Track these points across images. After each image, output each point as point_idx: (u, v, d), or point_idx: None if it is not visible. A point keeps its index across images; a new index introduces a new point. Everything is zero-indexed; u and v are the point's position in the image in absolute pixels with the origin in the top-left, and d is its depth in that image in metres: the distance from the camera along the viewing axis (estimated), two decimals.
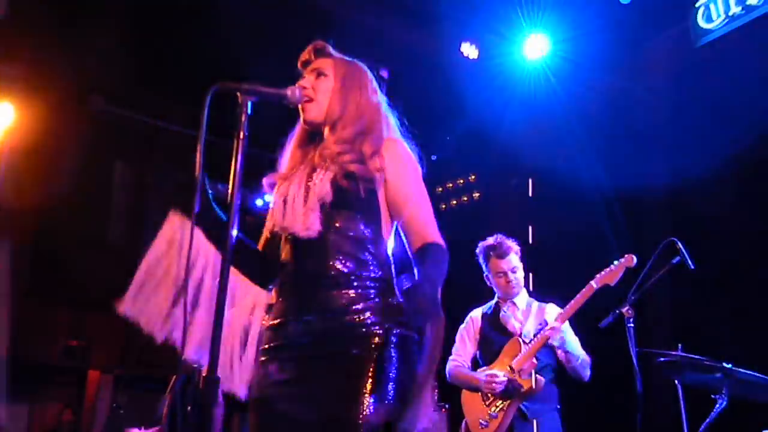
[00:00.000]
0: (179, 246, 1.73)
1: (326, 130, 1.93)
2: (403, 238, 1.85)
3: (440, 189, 7.26)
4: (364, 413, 1.59)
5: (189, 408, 3.59)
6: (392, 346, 1.65)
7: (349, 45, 2.03)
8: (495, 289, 3.62)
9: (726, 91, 4.40)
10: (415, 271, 1.77)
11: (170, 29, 5.72)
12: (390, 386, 1.62)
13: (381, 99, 1.98)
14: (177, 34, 5.71)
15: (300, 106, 1.90)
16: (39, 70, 6.04)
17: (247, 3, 5.52)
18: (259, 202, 7.54)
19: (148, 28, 5.79)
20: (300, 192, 1.80)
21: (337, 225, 1.76)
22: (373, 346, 1.65)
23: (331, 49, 1.99)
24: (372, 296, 1.72)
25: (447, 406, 5.10)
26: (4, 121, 5.92)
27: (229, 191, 1.60)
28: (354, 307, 1.70)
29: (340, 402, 1.62)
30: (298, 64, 2.00)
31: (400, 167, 1.82)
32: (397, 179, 1.81)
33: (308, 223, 1.74)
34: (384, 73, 2.06)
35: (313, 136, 1.99)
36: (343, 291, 1.72)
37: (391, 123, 1.95)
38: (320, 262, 1.75)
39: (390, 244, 1.85)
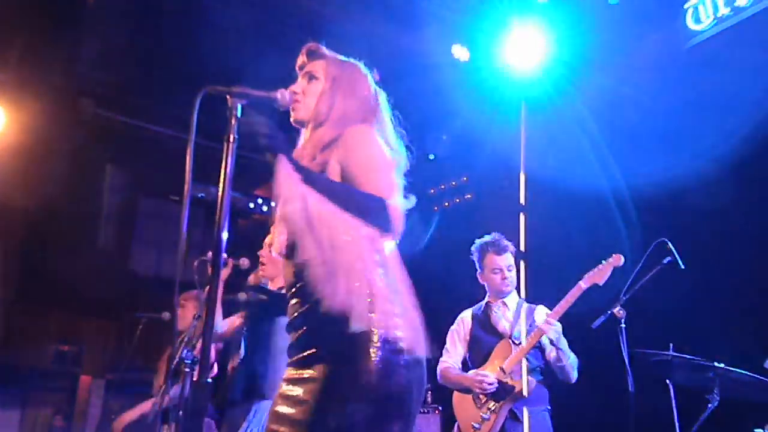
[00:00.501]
0: None
1: (308, 132, 1.93)
2: None
3: (432, 191, 7.27)
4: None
5: (180, 412, 3.57)
6: (363, 341, 1.62)
7: (339, 47, 2.03)
8: (487, 288, 3.63)
9: (715, 92, 4.42)
10: None
11: (161, 33, 5.70)
12: (356, 383, 1.60)
13: (373, 98, 1.95)
14: (168, 38, 5.69)
15: (291, 107, 1.90)
16: (29, 73, 6.01)
17: (238, 6, 5.51)
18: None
19: (139, 32, 5.77)
20: None
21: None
22: (343, 342, 1.63)
23: (324, 50, 1.98)
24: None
25: (440, 408, 5.10)
26: None
27: (219, 194, 1.59)
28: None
29: (319, 400, 1.62)
30: (296, 68, 1.99)
31: (350, 148, 1.75)
32: (348, 160, 1.75)
33: (279, 245, 1.79)
34: (375, 75, 2.04)
35: None
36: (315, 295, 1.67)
37: (383, 120, 1.93)
38: (300, 269, 1.73)
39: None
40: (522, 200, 5.18)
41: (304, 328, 1.73)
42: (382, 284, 1.64)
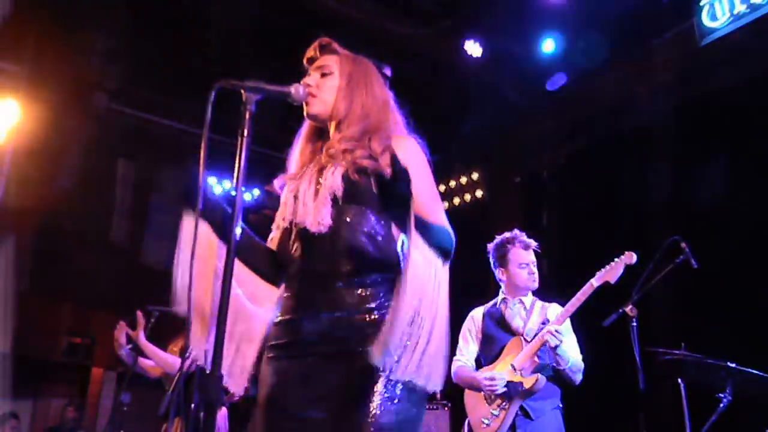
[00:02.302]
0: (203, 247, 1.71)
1: (332, 129, 1.91)
2: None
3: (444, 188, 7.26)
4: (374, 413, 1.58)
5: (192, 405, 3.59)
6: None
7: (350, 42, 2.02)
8: (508, 284, 3.58)
9: (731, 88, 4.39)
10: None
11: (174, 27, 5.73)
12: (399, 386, 1.61)
13: (388, 95, 1.95)
14: (180, 32, 5.72)
15: (305, 101, 1.88)
16: (43, 68, 6.05)
17: (249, 1, 5.53)
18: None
19: (152, 27, 5.80)
20: (311, 188, 1.78)
21: (348, 220, 1.73)
22: (360, 345, 1.62)
23: (336, 46, 1.96)
24: (381, 295, 1.69)
25: (449, 404, 5.10)
26: (8, 119, 5.93)
27: (233, 189, 1.59)
28: (364, 306, 1.68)
29: (349, 402, 1.61)
30: (304, 61, 1.97)
31: (410, 163, 1.72)
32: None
33: (319, 217, 1.71)
34: (387, 71, 2.03)
35: (320, 134, 1.97)
36: (353, 289, 1.70)
37: (398, 119, 1.93)
38: (330, 259, 1.72)
39: (400, 243, 1.79)
40: None
41: (328, 323, 1.72)
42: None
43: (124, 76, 6.40)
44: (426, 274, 1.53)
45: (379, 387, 1.59)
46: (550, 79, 5.86)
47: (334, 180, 1.74)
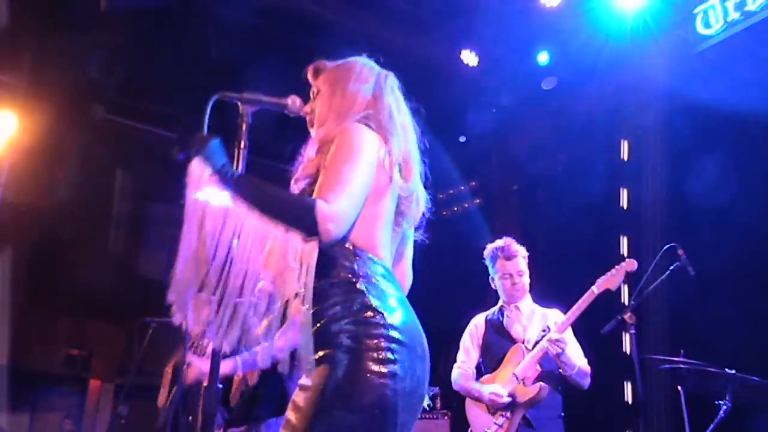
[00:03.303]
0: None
1: (314, 134, 1.91)
2: None
3: (441, 195, 7.27)
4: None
5: (189, 418, 3.58)
6: (344, 348, 1.61)
7: (347, 52, 2.03)
8: (500, 293, 3.61)
9: (725, 95, 4.40)
10: None
11: (170, 39, 5.74)
12: (337, 391, 1.59)
13: (374, 86, 1.90)
14: (177, 44, 5.73)
15: (309, 125, 1.92)
16: (41, 79, 6.05)
17: (247, 12, 5.54)
18: None
19: (149, 38, 5.81)
20: None
21: None
22: (325, 348, 1.63)
23: (324, 64, 1.97)
24: (332, 302, 1.67)
25: (449, 413, 5.09)
26: (6, 130, 5.93)
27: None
28: (324, 314, 1.67)
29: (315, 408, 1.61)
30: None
31: (332, 151, 1.71)
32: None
33: None
34: (369, 66, 2.02)
35: None
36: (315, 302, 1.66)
37: (381, 117, 1.85)
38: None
39: (352, 236, 1.71)
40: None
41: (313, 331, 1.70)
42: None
43: (121, 87, 6.41)
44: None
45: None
46: (545, 80, 5.90)
47: None
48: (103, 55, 5.87)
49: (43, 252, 7.53)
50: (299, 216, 1.58)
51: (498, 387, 3.35)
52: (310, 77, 1.98)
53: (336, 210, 1.59)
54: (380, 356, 1.60)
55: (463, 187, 7.32)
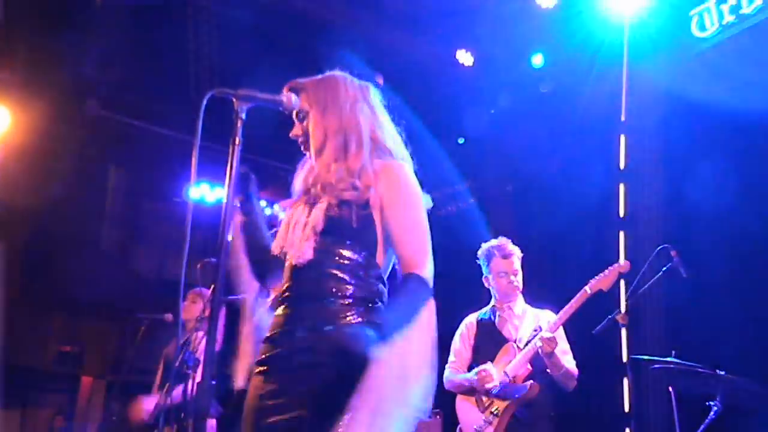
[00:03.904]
0: None
1: (313, 158, 1.94)
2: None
3: (437, 195, 7.26)
4: (341, 426, 1.59)
5: (182, 415, 3.57)
6: (369, 359, 1.63)
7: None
8: (493, 292, 3.62)
9: (720, 98, 4.42)
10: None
11: (166, 35, 5.73)
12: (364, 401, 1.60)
13: (366, 108, 1.94)
14: (172, 40, 5.71)
15: (303, 149, 1.97)
16: (35, 74, 6.03)
17: (243, 10, 5.53)
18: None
19: (144, 34, 5.79)
20: (302, 219, 1.86)
21: (329, 252, 1.81)
22: (350, 358, 1.65)
23: (300, 82, 1.97)
24: (354, 313, 1.75)
25: (441, 413, 5.09)
26: None
27: (224, 196, 1.60)
28: (337, 320, 1.74)
29: (318, 413, 1.64)
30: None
31: (393, 193, 1.82)
32: (390, 206, 1.82)
33: (300, 251, 1.81)
34: (379, 80, 2.03)
35: None
36: (328, 307, 1.76)
37: (380, 135, 1.92)
38: (310, 285, 1.81)
39: (387, 269, 1.88)
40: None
41: (307, 342, 1.75)
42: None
43: (115, 83, 6.39)
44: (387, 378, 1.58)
45: (346, 400, 1.61)
46: (543, 83, 5.92)
47: (316, 216, 1.83)
48: (97, 50, 5.85)
49: (35, 248, 7.50)
50: (426, 302, 1.73)
51: (487, 368, 3.36)
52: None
53: (431, 274, 1.79)
54: None
55: (457, 187, 7.33)
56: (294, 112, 1.94)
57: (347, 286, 1.77)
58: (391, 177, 1.84)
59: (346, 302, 1.76)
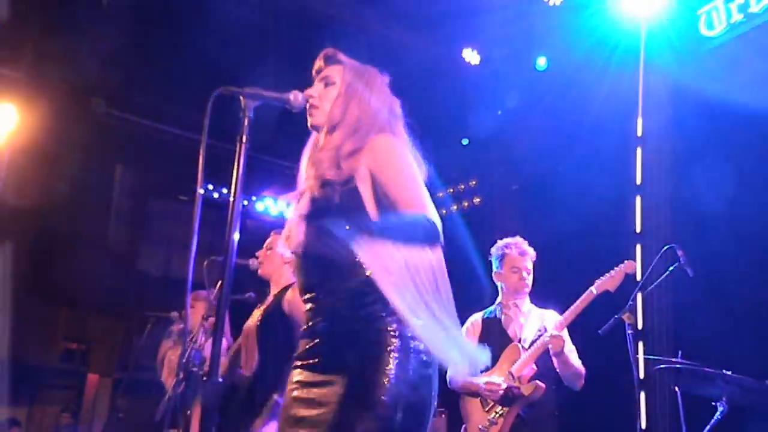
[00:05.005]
0: None
1: (322, 136, 1.92)
2: None
3: (441, 194, 7.27)
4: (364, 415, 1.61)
5: (188, 411, 3.58)
6: (391, 348, 1.65)
7: (349, 50, 2.02)
8: (503, 288, 3.61)
9: (728, 97, 4.40)
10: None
11: (172, 33, 5.74)
12: (386, 390, 1.62)
13: (388, 104, 1.94)
14: (178, 38, 5.72)
15: (308, 112, 1.91)
16: (41, 73, 6.06)
17: (249, 8, 5.54)
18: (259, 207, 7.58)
19: (150, 32, 5.81)
20: (297, 209, 1.87)
21: (317, 236, 1.76)
22: (371, 348, 1.67)
23: (341, 56, 1.97)
24: (365, 302, 1.73)
25: (445, 411, 5.09)
26: (6, 124, 5.93)
27: (231, 194, 1.60)
28: (351, 312, 1.73)
29: (344, 403, 1.64)
30: (313, 72, 2.00)
31: (382, 158, 1.79)
32: (381, 172, 1.78)
33: (294, 240, 1.82)
34: (385, 78, 2.03)
35: None
36: (335, 300, 1.76)
37: (395, 125, 1.92)
38: (311, 274, 1.81)
39: None
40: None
41: (327, 333, 1.76)
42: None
43: (122, 81, 6.41)
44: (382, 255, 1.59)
45: (372, 389, 1.63)
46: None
47: (303, 202, 1.84)
48: (104, 49, 5.87)
49: (42, 246, 7.54)
50: (430, 234, 1.69)
51: (494, 377, 3.36)
52: (320, 62, 1.97)
53: (437, 217, 1.73)
54: (424, 359, 1.69)
55: (462, 186, 7.32)
56: (319, 75, 1.94)
57: (344, 268, 1.73)
58: (377, 147, 1.81)
59: (350, 288, 1.74)
